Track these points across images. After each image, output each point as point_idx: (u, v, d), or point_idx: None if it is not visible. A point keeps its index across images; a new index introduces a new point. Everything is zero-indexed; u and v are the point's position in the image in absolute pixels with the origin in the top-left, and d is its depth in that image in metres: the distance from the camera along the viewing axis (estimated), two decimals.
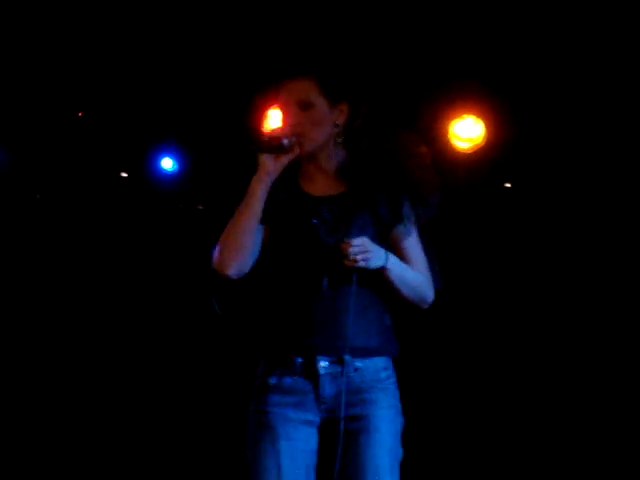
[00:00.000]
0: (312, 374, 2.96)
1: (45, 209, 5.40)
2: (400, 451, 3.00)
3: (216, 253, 2.99)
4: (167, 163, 5.38)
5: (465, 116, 5.07)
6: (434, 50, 4.94)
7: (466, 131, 5.08)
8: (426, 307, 3.09)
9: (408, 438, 3.01)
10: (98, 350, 5.51)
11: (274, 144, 2.98)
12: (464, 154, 5.12)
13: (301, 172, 3.10)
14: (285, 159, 2.99)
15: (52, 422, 5.43)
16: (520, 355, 5.34)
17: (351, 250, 2.87)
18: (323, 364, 2.95)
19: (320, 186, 3.07)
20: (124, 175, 5.45)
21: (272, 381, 2.99)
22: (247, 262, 2.98)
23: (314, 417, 2.98)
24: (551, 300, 5.31)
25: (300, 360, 2.96)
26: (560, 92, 5.02)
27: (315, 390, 2.96)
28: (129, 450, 5.42)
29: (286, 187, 3.06)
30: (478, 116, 5.06)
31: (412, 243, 3.05)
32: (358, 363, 2.95)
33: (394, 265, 2.96)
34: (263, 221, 3.00)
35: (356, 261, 2.88)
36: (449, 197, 5.22)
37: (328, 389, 2.96)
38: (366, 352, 2.96)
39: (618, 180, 5.12)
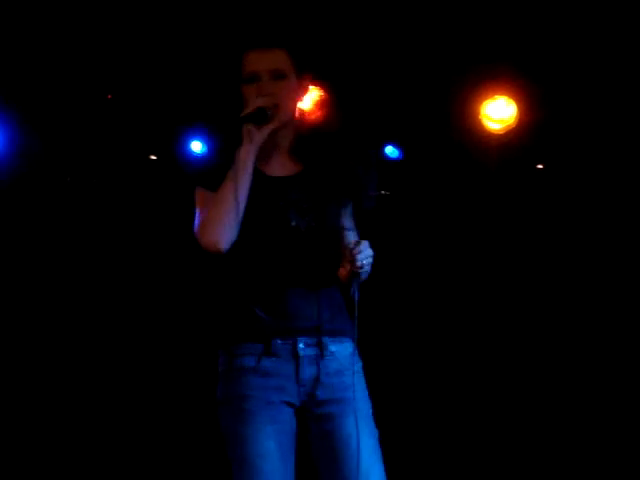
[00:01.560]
0: (293, 356, 2.93)
1: (75, 191, 5.42)
2: (377, 431, 3.01)
3: (206, 229, 2.90)
4: (196, 146, 5.37)
5: (497, 97, 5.05)
6: (466, 31, 4.91)
7: (498, 112, 5.06)
8: None
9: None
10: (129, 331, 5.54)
11: (258, 114, 2.89)
12: (496, 135, 5.09)
13: None
14: (266, 129, 2.91)
15: (49, 416, 5.44)
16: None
17: (359, 256, 2.84)
18: (302, 346, 2.93)
19: (276, 166, 3.01)
20: (153, 158, 5.45)
21: (249, 363, 2.93)
22: (235, 235, 2.89)
23: (294, 400, 2.95)
24: (585, 281, 5.29)
25: (280, 342, 2.92)
26: (593, 73, 4.98)
27: (296, 372, 2.94)
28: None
29: None
30: (510, 97, 5.04)
31: (352, 226, 3.04)
32: (333, 347, 2.94)
33: None
34: None
35: (363, 267, 2.85)
36: (480, 178, 5.30)
37: (307, 372, 2.94)
38: (340, 333, 2.95)
39: None
